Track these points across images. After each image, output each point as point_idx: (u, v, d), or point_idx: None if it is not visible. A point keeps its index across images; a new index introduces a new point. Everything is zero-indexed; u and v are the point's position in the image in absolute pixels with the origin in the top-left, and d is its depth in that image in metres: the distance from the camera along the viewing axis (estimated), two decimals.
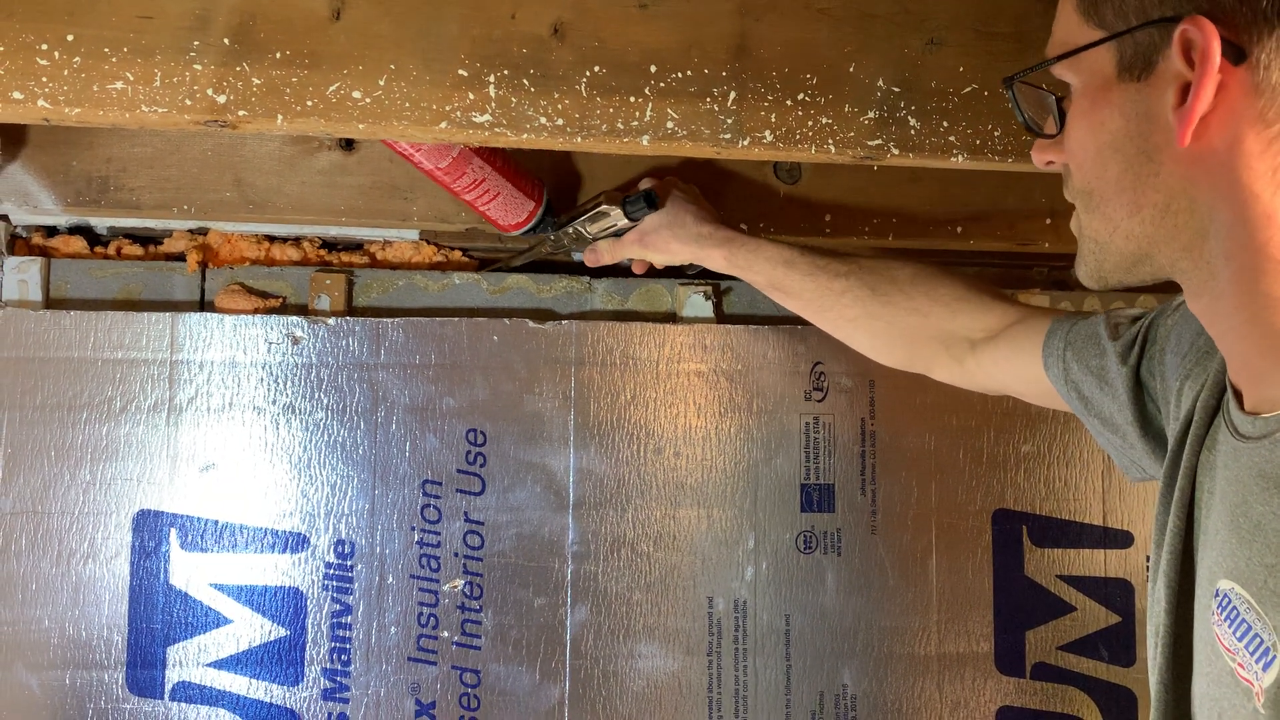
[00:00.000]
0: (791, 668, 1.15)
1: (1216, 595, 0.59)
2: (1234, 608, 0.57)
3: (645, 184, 1.05)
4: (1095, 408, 0.82)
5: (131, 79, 0.79)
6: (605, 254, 1.09)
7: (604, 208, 1.03)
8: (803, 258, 0.99)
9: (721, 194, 1.14)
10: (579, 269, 1.18)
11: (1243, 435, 0.60)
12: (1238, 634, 0.57)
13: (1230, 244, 0.58)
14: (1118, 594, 1.21)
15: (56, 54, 0.78)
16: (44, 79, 0.78)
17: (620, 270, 1.16)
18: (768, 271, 1.00)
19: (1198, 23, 0.54)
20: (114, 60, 0.79)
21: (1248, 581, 0.56)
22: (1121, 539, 1.21)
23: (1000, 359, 0.93)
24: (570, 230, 1.07)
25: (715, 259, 1.01)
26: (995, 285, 1.02)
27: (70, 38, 0.78)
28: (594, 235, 1.07)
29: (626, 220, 1.02)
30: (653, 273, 1.15)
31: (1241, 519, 0.58)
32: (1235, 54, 0.54)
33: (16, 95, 0.77)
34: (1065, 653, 1.20)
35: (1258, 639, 0.55)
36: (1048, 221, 1.19)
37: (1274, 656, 0.53)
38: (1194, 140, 0.56)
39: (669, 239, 1.02)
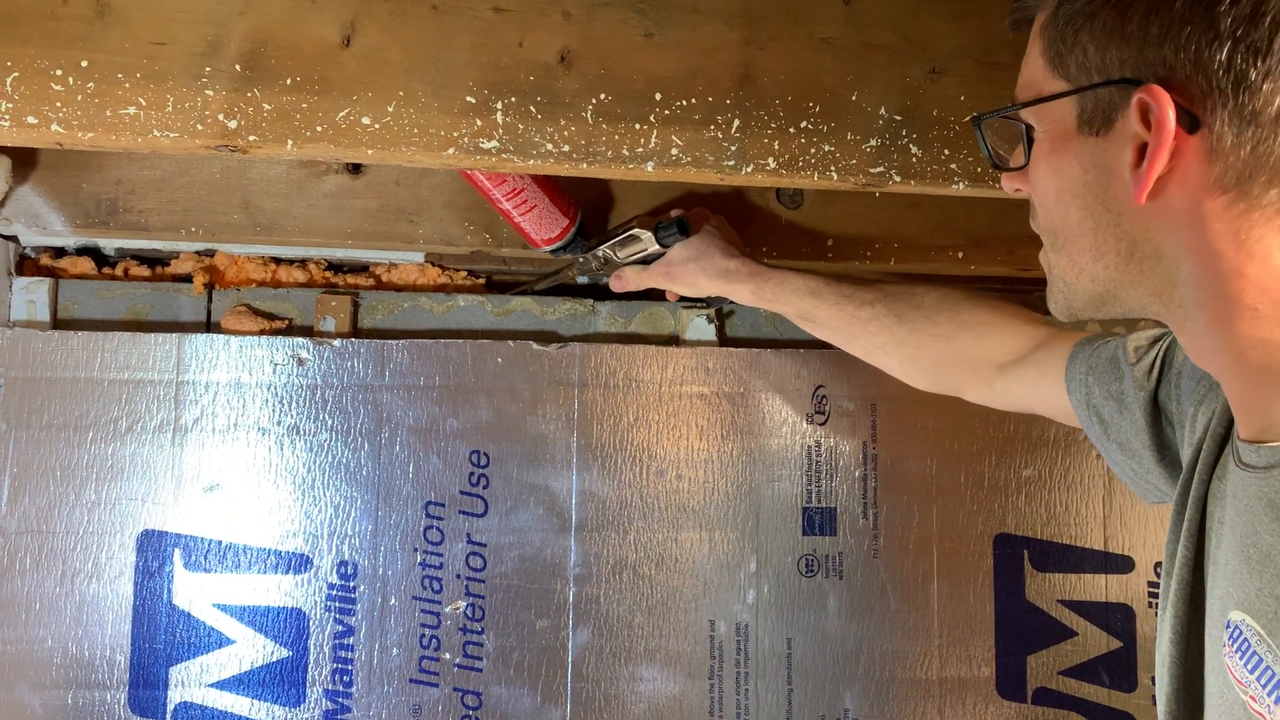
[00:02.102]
0: (793, 692, 1.15)
1: (1228, 627, 0.59)
2: (1245, 639, 0.57)
3: (676, 212, 1.05)
4: (1114, 432, 0.82)
5: (144, 104, 0.80)
6: (631, 281, 1.09)
7: (635, 232, 1.03)
8: (828, 288, 0.99)
9: (726, 219, 1.15)
10: (583, 291, 1.19)
11: (1249, 465, 0.60)
12: (1249, 666, 0.56)
13: (1200, 293, 0.58)
14: (1119, 619, 1.21)
15: (71, 79, 0.79)
16: (58, 104, 0.79)
17: (623, 293, 1.17)
18: (795, 303, 1.01)
19: (1152, 92, 0.55)
20: (127, 86, 0.80)
21: (1258, 613, 0.56)
22: (1123, 564, 1.22)
23: (1025, 383, 0.92)
24: (599, 253, 1.07)
25: (742, 293, 1.02)
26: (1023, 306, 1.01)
27: (84, 64, 0.79)
28: (623, 260, 1.07)
29: (657, 246, 1.02)
30: (656, 295, 1.16)
31: (1251, 549, 0.57)
32: (1190, 122, 0.55)
33: (31, 120, 0.79)
34: (1066, 678, 1.20)
35: (1269, 671, 0.54)
36: None
37: None
38: (1152, 198, 0.57)
39: (696, 273, 1.02)
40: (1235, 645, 0.58)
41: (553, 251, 1.08)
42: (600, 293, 1.20)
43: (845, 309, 0.99)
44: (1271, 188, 0.54)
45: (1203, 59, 0.54)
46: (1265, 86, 0.53)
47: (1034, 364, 0.91)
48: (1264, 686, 0.55)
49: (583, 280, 1.16)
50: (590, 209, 1.12)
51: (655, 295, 1.15)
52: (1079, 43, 0.59)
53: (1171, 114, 0.54)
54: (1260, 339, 0.57)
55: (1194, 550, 0.65)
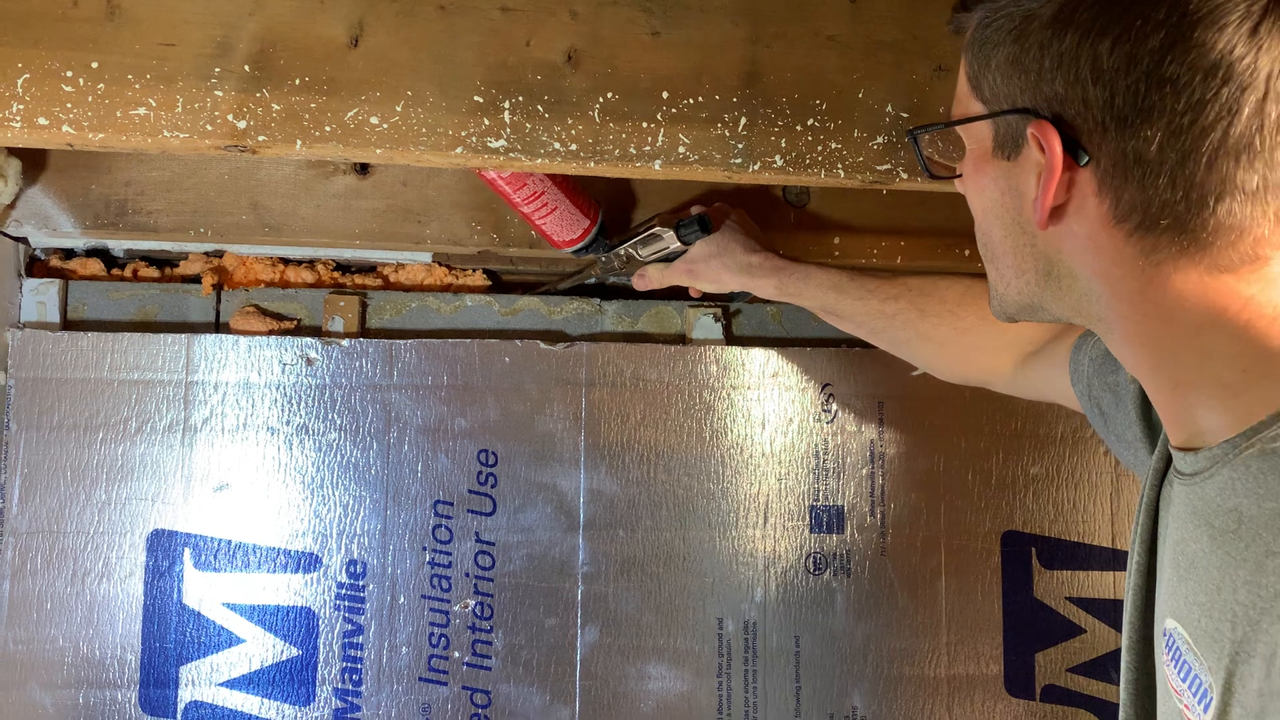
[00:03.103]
0: (801, 689, 1.15)
1: (1164, 635, 0.60)
2: (1177, 647, 0.58)
3: (697, 209, 1.06)
4: (1112, 424, 0.82)
5: (154, 105, 0.80)
6: (654, 279, 1.09)
7: (657, 230, 1.03)
8: (852, 283, 1.00)
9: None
10: (590, 290, 1.20)
11: (1180, 472, 0.61)
12: (1181, 674, 0.57)
13: (1111, 312, 0.60)
14: None
15: (81, 81, 0.79)
16: (69, 105, 0.79)
17: (630, 292, 1.18)
18: (819, 298, 1.01)
19: (1041, 127, 0.57)
20: (137, 87, 0.80)
21: (1186, 620, 0.57)
22: None
23: (1041, 373, 0.93)
24: (621, 252, 1.08)
25: (766, 288, 1.02)
26: None
27: (95, 65, 0.80)
28: (645, 258, 1.07)
29: (679, 243, 1.03)
30: (662, 295, 1.16)
31: (1180, 557, 0.59)
32: (1081, 155, 0.56)
33: (42, 121, 0.79)
34: (1075, 675, 1.19)
35: (1197, 679, 0.55)
36: None
37: (1211, 697, 0.53)
38: (1053, 224, 0.59)
39: (719, 269, 1.02)
40: (1170, 653, 0.59)
41: (575, 252, 1.09)
42: (607, 292, 1.20)
43: (869, 303, 0.99)
44: (1162, 219, 0.55)
45: (1089, 96, 0.55)
46: (1145, 129, 0.54)
47: (1047, 355, 0.92)
48: (1194, 695, 0.56)
49: (591, 280, 1.17)
50: (612, 207, 1.12)
51: (674, 294, 1.15)
52: (989, 68, 0.60)
53: (1059, 148, 0.56)
54: (1170, 354, 0.58)
55: (1146, 556, 0.66)
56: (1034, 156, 0.58)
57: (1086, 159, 0.56)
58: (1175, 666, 0.58)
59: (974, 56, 0.62)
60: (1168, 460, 0.65)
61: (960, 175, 0.68)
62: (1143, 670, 0.66)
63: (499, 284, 1.22)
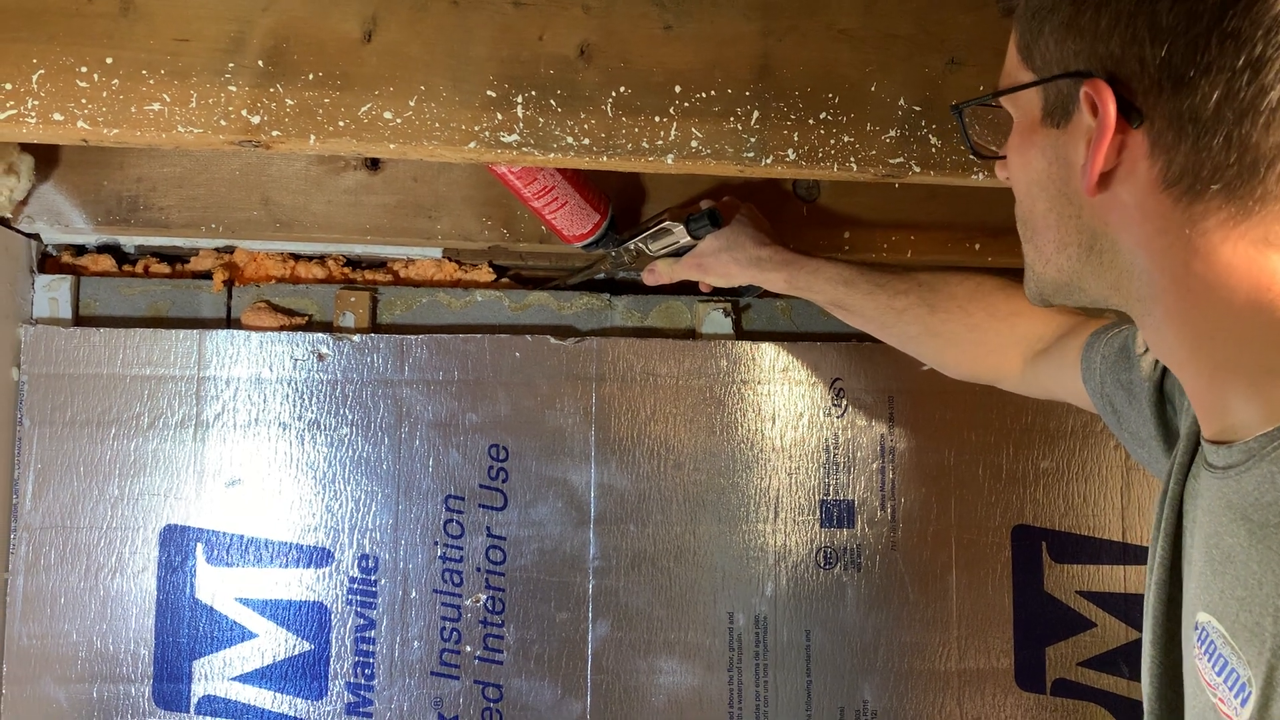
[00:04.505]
0: (812, 683, 1.15)
1: (1196, 628, 0.60)
2: (1211, 641, 0.57)
3: (706, 203, 1.06)
4: (1126, 422, 0.82)
5: (168, 100, 0.81)
6: (664, 274, 1.09)
7: (667, 224, 1.03)
8: (862, 277, 0.99)
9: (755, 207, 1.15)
10: (600, 285, 1.20)
11: (1212, 466, 0.60)
12: (1216, 668, 0.57)
13: (1153, 288, 0.59)
14: (1138, 610, 1.20)
15: (96, 76, 0.80)
16: (83, 100, 0.80)
17: (639, 287, 1.18)
18: (828, 292, 1.01)
19: (1095, 86, 0.56)
20: (151, 82, 0.80)
21: (1222, 615, 0.56)
22: (1141, 555, 1.22)
23: (1050, 371, 0.93)
24: (631, 246, 1.08)
25: (775, 281, 1.02)
26: None
27: (109, 60, 0.80)
28: (655, 252, 1.07)
29: (689, 238, 1.03)
30: (672, 289, 1.16)
31: (1214, 550, 0.58)
32: (1134, 117, 0.56)
33: (57, 116, 0.79)
34: (1085, 669, 1.20)
35: (1234, 673, 0.55)
36: None
37: (1250, 691, 0.53)
38: (1102, 191, 0.58)
39: (728, 262, 1.02)
40: (1203, 647, 0.58)
41: (585, 247, 1.09)
42: (617, 287, 1.20)
43: (879, 298, 0.99)
44: (1213, 184, 0.54)
45: (1145, 54, 0.54)
46: (1203, 85, 0.53)
47: (1057, 352, 0.91)
48: (1230, 689, 0.55)
49: (601, 275, 1.17)
50: (622, 201, 1.12)
51: (684, 289, 1.16)
52: (1042, 34, 0.60)
53: (1112, 108, 0.55)
54: (1210, 334, 0.58)
55: (1170, 551, 0.66)
56: (1085, 122, 0.57)
57: (1139, 120, 0.55)
58: (1209, 660, 0.58)
59: (1026, 25, 0.61)
60: (1192, 454, 0.64)
61: (1003, 156, 0.67)
62: (1168, 664, 0.66)
63: (509, 279, 1.22)
